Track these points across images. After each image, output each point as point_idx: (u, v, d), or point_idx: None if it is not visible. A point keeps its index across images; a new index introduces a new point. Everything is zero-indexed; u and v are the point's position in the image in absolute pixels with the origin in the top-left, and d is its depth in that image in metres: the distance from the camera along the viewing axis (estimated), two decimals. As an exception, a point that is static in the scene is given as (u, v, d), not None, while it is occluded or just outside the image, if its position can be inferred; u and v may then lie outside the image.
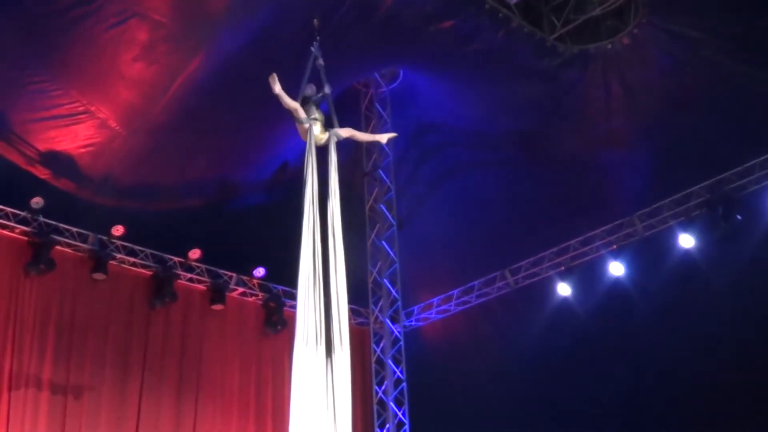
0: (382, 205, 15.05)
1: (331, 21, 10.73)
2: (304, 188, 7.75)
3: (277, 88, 7.89)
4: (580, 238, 13.24)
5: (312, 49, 8.40)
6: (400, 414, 14.30)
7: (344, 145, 8.40)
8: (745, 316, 11.28)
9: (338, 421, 7.14)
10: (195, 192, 12.89)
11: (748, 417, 11.08)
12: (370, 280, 14.89)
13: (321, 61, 8.32)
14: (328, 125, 8.31)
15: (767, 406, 10.97)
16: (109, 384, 11.87)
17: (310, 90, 8.26)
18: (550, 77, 12.54)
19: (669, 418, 11.73)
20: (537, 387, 12.95)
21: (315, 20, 8.60)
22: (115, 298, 12.30)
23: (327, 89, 8.27)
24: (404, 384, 14.45)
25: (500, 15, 11.76)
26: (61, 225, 11.88)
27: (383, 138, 9.59)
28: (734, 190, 11.86)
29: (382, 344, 14.67)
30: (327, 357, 7.29)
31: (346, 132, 8.42)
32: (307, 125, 8.08)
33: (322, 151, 8.09)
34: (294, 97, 8.06)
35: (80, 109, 11.27)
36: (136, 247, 12.50)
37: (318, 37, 8.48)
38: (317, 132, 8.11)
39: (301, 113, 8.07)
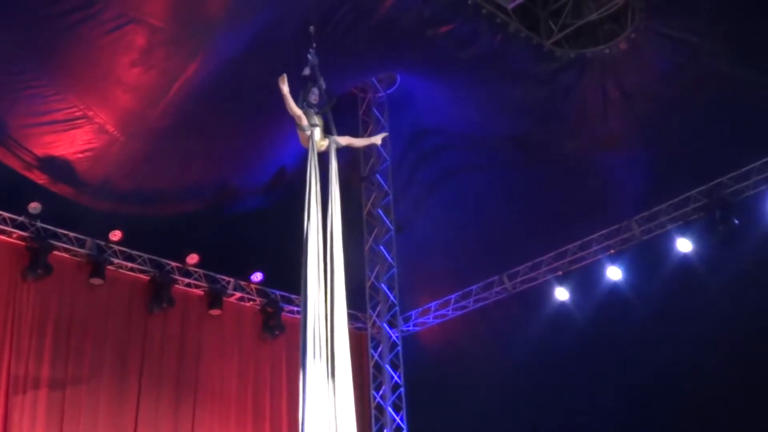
0: (379, 210, 15.04)
1: (328, 25, 10.74)
2: (308, 196, 7.75)
3: (285, 88, 7.92)
4: (578, 243, 13.25)
5: (309, 56, 8.41)
6: (398, 419, 14.28)
7: (342, 149, 8.43)
8: (742, 319, 11.27)
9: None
10: (193, 196, 12.86)
11: (746, 421, 11.08)
12: (368, 284, 14.87)
13: (318, 73, 8.33)
14: (326, 131, 8.33)
15: (765, 410, 10.98)
16: (107, 389, 11.85)
17: (313, 97, 8.28)
18: (548, 81, 12.54)
19: (667, 422, 11.72)
20: (535, 392, 12.94)
21: (311, 27, 8.61)
22: (112, 302, 12.29)
23: (321, 82, 8.34)
24: (402, 389, 14.43)
25: (498, 20, 11.76)
26: (59, 230, 11.88)
27: (377, 139, 9.68)
28: (732, 194, 11.89)
29: (379, 349, 14.65)
30: (329, 369, 7.28)
31: (344, 140, 8.48)
32: (308, 132, 8.09)
33: (322, 158, 8.11)
34: (297, 102, 8.09)
35: (78, 114, 11.24)
36: (134, 252, 12.50)
37: (314, 44, 8.48)
38: (317, 138, 8.13)
39: (304, 121, 8.10)
